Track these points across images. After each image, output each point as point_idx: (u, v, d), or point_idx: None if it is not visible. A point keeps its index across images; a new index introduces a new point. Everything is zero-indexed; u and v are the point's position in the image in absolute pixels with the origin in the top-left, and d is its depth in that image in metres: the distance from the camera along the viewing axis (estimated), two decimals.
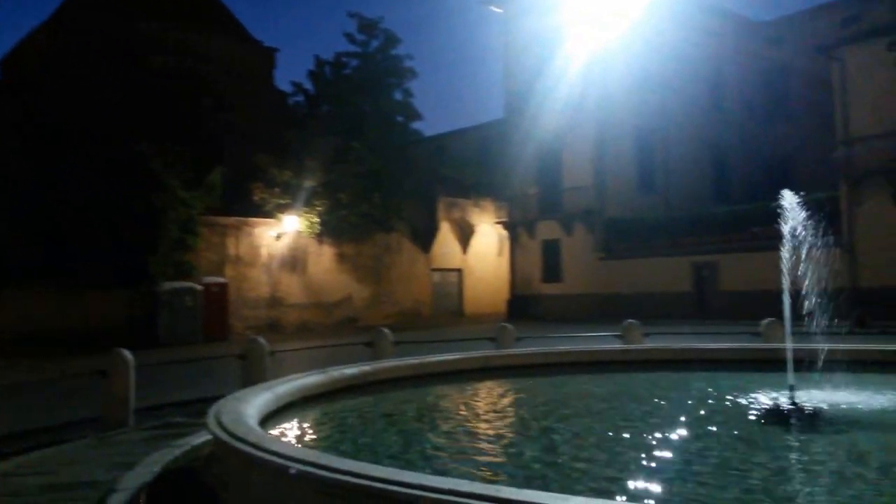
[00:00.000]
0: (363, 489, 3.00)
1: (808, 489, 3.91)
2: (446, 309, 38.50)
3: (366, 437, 5.49)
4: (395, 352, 11.45)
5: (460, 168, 41.09)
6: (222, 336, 27.78)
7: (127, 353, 9.04)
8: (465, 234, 39.83)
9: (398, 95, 36.94)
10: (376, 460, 4.27)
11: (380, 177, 33.16)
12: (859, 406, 6.03)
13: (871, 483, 3.82)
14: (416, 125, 37.87)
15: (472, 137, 45.82)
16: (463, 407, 7.04)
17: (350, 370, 7.39)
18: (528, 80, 36.60)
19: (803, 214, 6.94)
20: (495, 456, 4.98)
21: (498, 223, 39.71)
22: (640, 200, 35.15)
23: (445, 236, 38.89)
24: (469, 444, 5.29)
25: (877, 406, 6.08)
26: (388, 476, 3.03)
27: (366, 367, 7.72)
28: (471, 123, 49.79)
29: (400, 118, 36.87)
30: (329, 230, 32.97)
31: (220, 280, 29.18)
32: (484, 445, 5.31)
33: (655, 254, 32.00)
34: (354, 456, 4.32)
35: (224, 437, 4.10)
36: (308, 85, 36.92)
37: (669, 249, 31.53)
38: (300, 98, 37.72)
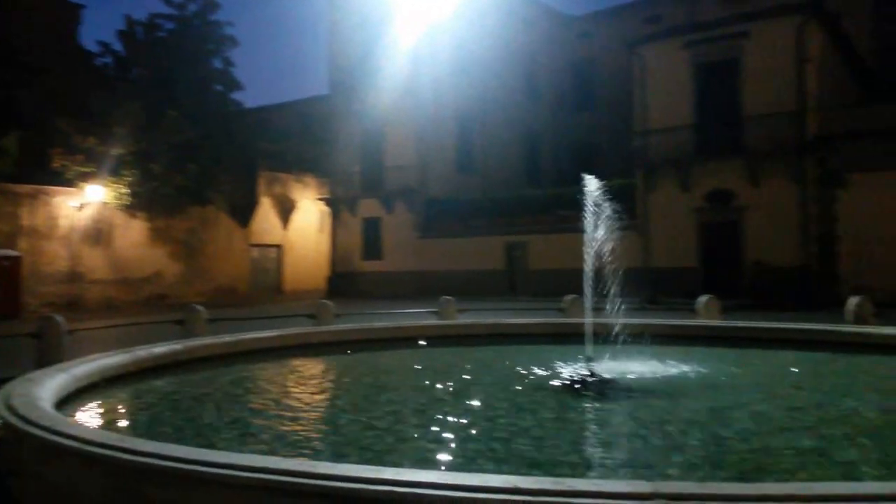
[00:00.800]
0: (170, 471, 2.89)
1: (595, 448, 4.26)
2: (265, 286, 37.56)
3: (174, 418, 5.25)
4: (208, 330, 11.01)
5: (283, 142, 40.02)
6: (14, 313, 25.35)
7: None
8: (286, 210, 38.96)
9: (217, 63, 35.19)
10: (184, 441, 4.11)
11: (196, 147, 31.47)
12: (648, 374, 6.63)
13: (652, 441, 4.23)
14: (237, 96, 36.32)
15: (295, 112, 44.77)
16: (276, 384, 6.93)
17: (158, 349, 7.01)
18: (355, 57, 36.32)
19: (604, 199, 7.47)
20: (309, 432, 4.96)
21: (320, 199, 39.21)
22: (460, 181, 36.14)
23: (265, 211, 37.83)
24: (281, 422, 5.22)
25: (663, 374, 6.71)
26: (196, 457, 2.93)
27: (176, 346, 7.35)
28: (295, 97, 48.63)
29: (219, 87, 35.16)
30: (139, 202, 30.87)
31: (12, 253, 26.52)
32: (297, 422, 5.27)
33: (472, 233, 33.13)
34: (161, 438, 4.13)
35: (14, 420, 3.76)
36: (118, 46, 34.20)
37: (485, 229, 32.77)
38: (108, 60, 34.87)
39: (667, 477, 3.41)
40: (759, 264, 25.12)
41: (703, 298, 11.74)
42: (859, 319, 9.84)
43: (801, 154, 24.98)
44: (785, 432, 4.49)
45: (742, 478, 3.39)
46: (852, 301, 10.26)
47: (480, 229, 32.94)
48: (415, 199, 35.01)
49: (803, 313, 17.09)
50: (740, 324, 9.31)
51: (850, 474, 3.48)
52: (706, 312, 11.39)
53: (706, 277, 25.67)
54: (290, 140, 40.52)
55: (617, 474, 3.54)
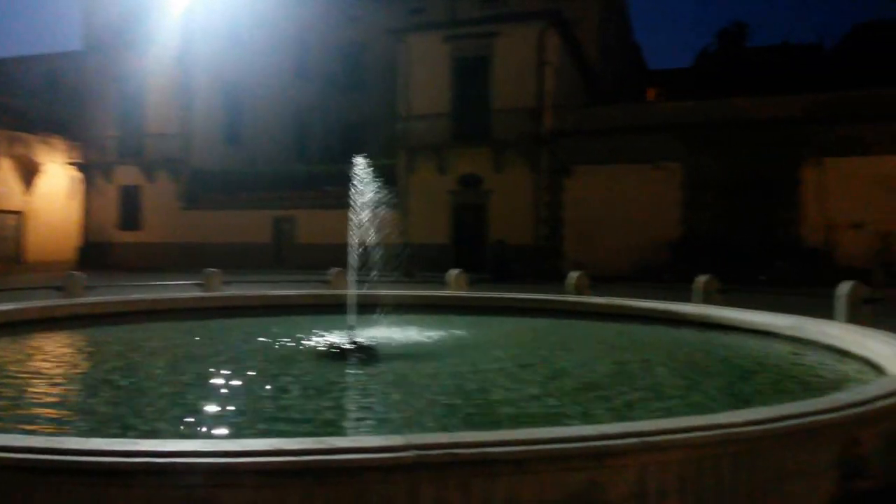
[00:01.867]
0: None
1: (353, 408, 4.37)
2: (2, 256, 33.04)
3: None
4: None
5: (26, 99, 35.26)
6: None
7: None
8: (28, 173, 34.44)
9: None
10: None
11: None
12: (403, 340, 6.90)
13: (404, 399, 4.43)
14: None
15: (42, 67, 39.56)
16: (13, 361, 6.17)
17: None
18: (115, 16, 33.00)
19: (369, 178, 7.59)
20: (53, 408, 4.51)
21: (71, 164, 35.21)
22: (227, 153, 34.54)
23: (3, 174, 33.14)
24: (21, 399, 4.68)
25: (416, 340, 7.02)
26: None
27: None
28: (42, 51, 43.02)
29: None
30: None
31: None
32: (39, 398, 4.76)
33: (239, 206, 31.94)
34: None
35: None
36: None
37: (252, 203, 31.75)
38: None
39: (421, 429, 3.60)
40: (500, 243, 27.05)
41: (452, 272, 12.41)
42: (577, 290, 11.04)
43: (537, 146, 27.20)
44: (517, 383, 4.93)
45: (484, 426, 3.68)
46: (572, 275, 11.48)
47: (248, 202, 31.84)
48: (178, 168, 32.80)
49: (535, 286, 18.72)
50: (482, 294, 10.04)
51: (561, 417, 3.93)
52: (455, 285, 12.06)
53: (457, 253, 27.11)
54: (35, 97, 35.83)
55: (375, 430, 3.67)
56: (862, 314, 8.67)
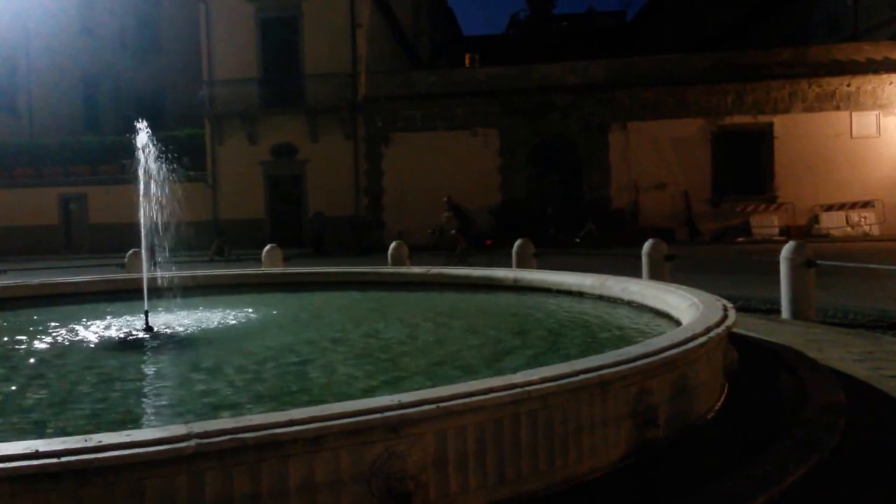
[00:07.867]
0: None
1: (146, 400, 4.13)
2: None
3: None
4: None
5: None
6: None
7: None
8: None
9: None
10: None
11: None
12: (207, 325, 6.58)
13: (202, 387, 4.24)
14: None
15: None
16: None
17: None
18: None
19: (169, 149, 7.14)
20: None
21: None
22: (1, 125, 31.07)
23: None
24: None
25: (221, 323, 6.72)
26: None
27: None
28: None
29: None
30: None
31: None
32: None
33: (18, 184, 28.89)
34: None
35: None
36: None
37: (34, 179, 28.85)
38: None
39: (220, 416, 3.46)
40: (319, 215, 26.70)
41: (266, 248, 12.10)
42: (397, 261, 11.19)
43: (353, 113, 27.01)
44: (320, 359, 4.89)
45: (276, 407, 3.60)
46: (392, 246, 11.62)
47: (28, 179, 28.86)
48: None
49: (357, 258, 18.74)
50: (295, 270, 9.85)
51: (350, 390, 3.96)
52: (270, 262, 11.77)
53: (274, 228, 26.42)
54: None
55: (166, 422, 3.48)
56: (662, 270, 9.57)
